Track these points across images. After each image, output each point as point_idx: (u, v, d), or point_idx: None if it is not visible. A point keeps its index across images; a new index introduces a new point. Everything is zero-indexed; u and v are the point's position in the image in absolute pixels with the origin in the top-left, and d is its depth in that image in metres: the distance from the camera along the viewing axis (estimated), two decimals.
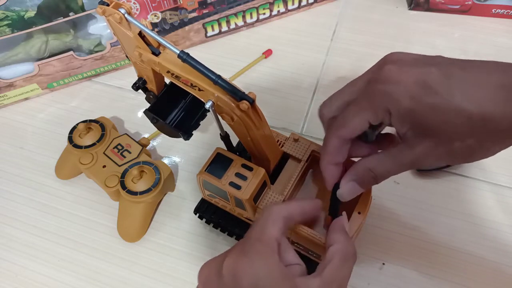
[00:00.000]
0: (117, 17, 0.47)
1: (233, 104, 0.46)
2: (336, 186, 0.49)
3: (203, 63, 0.46)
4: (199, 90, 0.47)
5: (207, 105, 0.46)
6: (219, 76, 0.45)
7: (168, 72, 0.49)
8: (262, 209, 0.44)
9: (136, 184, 0.64)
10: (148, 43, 0.49)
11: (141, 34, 0.49)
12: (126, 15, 0.47)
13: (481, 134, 0.38)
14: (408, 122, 0.41)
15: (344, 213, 0.49)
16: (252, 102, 0.45)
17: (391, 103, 0.41)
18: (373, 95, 0.43)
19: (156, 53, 0.49)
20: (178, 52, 0.45)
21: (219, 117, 0.50)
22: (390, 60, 0.43)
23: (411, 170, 0.69)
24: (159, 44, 0.50)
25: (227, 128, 0.53)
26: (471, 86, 0.38)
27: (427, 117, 0.39)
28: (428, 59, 0.42)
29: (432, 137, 0.40)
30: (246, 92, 0.46)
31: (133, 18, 0.47)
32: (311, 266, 0.58)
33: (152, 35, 0.46)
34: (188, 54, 0.45)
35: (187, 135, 0.59)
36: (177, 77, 0.48)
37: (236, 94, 0.45)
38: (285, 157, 0.59)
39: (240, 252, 0.40)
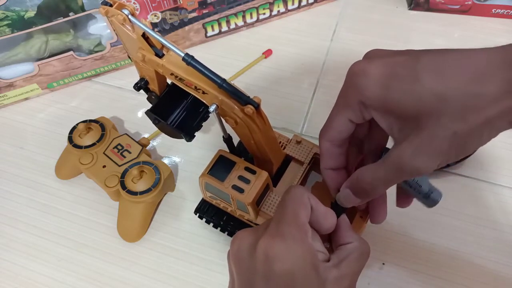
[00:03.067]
0: (121, 18, 0.47)
1: (237, 108, 0.46)
2: (337, 208, 0.49)
3: (203, 63, 0.46)
4: (203, 93, 0.47)
5: (211, 109, 0.46)
6: (224, 80, 0.44)
7: (171, 74, 0.49)
8: (289, 188, 0.44)
9: (136, 184, 0.63)
10: (151, 45, 0.49)
11: (144, 36, 0.48)
12: (129, 16, 0.47)
13: (463, 116, 0.36)
14: (386, 113, 0.40)
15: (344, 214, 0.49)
16: (257, 106, 0.45)
17: (362, 95, 0.41)
18: (346, 92, 0.43)
19: (159, 54, 0.49)
20: (182, 55, 0.44)
21: (222, 120, 0.50)
22: (364, 56, 0.44)
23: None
24: (163, 46, 0.50)
25: (229, 130, 0.53)
26: (440, 67, 0.37)
27: (401, 103, 0.38)
28: (399, 51, 0.41)
29: (414, 127, 0.38)
30: (249, 94, 0.46)
31: (137, 19, 0.47)
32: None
33: (156, 37, 0.46)
34: (193, 57, 0.45)
35: (189, 137, 0.59)
36: (180, 79, 0.48)
37: (241, 98, 0.45)
38: (287, 159, 0.59)
39: (276, 234, 0.40)
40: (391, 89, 0.39)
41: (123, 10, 0.47)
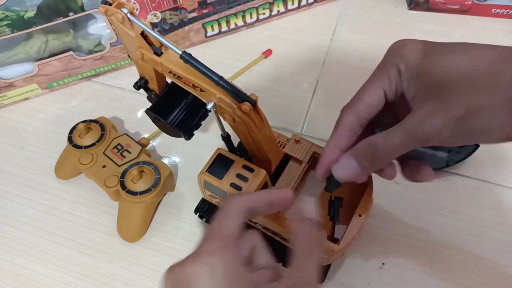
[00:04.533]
0: (120, 16, 0.47)
1: (235, 106, 0.46)
2: (331, 183, 0.46)
3: (203, 63, 0.46)
4: (201, 90, 0.47)
5: (209, 106, 0.46)
6: (221, 77, 0.45)
7: (170, 72, 0.49)
8: (224, 200, 0.42)
9: (136, 184, 0.64)
10: (150, 43, 0.49)
11: (143, 34, 0.49)
12: (128, 15, 0.47)
13: (481, 90, 0.37)
14: (414, 81, 0.41)
15: (313, 198, 0.44)
16: (254, 103, 0.45)
17: (400, 59, 0.42)
18: (385, 61, 0.44)
19: (158, 53, 0.49)
20: (180, 52, 0.45)
21: (221, 118, 0.50)
22: None
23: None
24: (161, 44, 0.50)
25: (228, 129, 0.53)
26: (470, 50, 0.39)
27: (434, 70, 0.39)
28: None
29: (434, 97, 0.38)
30: (248, 93, 0.46)
31: (136, 18, 0.47)
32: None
33: (155, 35, 0.46)
34: (190, 55, 0.45)
35: (188, 135, 0.59)
36: (179, 77, 0.48)
37: (238, 95, 0.45)
38: (286, 158, 0.59)
39: (187, 259, 0.37)
40: (427, 58, 0.40)
41: (122, 9, 0.47)
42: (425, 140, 0.39)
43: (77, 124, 0.69)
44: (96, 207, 0.69)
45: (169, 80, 0.55)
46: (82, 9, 0.71)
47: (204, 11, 0.81)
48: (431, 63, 0.40)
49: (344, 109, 0.46)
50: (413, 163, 0.46)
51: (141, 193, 0.63)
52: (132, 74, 0.59)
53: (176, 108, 0.58)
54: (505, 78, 0.36)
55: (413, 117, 0.39)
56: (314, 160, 0.59)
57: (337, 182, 0.45)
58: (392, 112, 0.45)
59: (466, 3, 0.86)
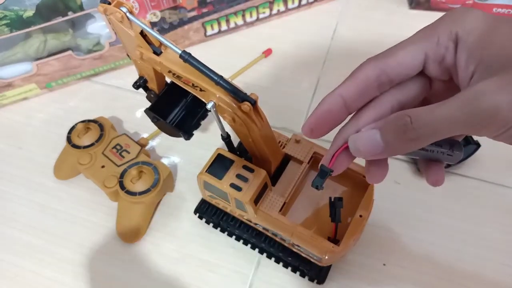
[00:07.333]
0: (119, 16, 0.47)
1: (234, 105, 0.45)
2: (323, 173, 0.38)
3: (203, 62, 0.45)
4: (201, 90, 0.47)
5: (209, 106, 0.46)
6: (221, 77, 0.44)
7: (169, 72, 0.49)
8: None
9: (135, 185, 0.63)
10: (149, 42, 0.49)
11: (142, 33, 0.48)
12: (128, 14, 0.47)
13: None
14: (477, 57, 0.32)
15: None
16: (254, 103, 0.45)
17: (461, 25, 0.33)
18: (435, 24, 0.35)
19: (157, 52, 0.49)
20: (180, 52, 0.44)
21: (221, 118, 0.49)
22: None
23: (414, 169, 0.69)
24: (161, 44, 0.49)
25: (228, 129, 0.52)
26: None
27: (506, 44, 0.31)
28: None
29: (506, 70, 0.30)
30: (248, 93, 0.46)
31: (135, 17, 0.47)
32: (311, 268, 0.58)
33: (154, 34, 0.46)
34: (190, 54, 0.45)
35: (188, 135, 0.59)
36: (178, 77, 0.48)
37: (238, 95, 0.45)
38: (286, 159, 0.59)
39: None
40: (498, 30, 0.32)
41: (121, 8, 0.47)
42: (485, 119, 0.29)
43: (76, 124, 0.69)
44: (95, 207, 0.69)
45: (168, 80, 0.55)
46: (81, 8, 0.71)
47: (204, 10, 0.81)
48: (507, 36, 0.32)
49: (368, 59, 0.37)
50: (423, 163, 0.40)
51: (140, 193, 0.63)
52: (131, 74, 0.59)
53: (175, 108, 0.58)
54: None
55: (476, 86, 0.30)
56: (314, 160, 0.59)
57: (328, 172, 0.37)
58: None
59: (467, 2, 0.86)
